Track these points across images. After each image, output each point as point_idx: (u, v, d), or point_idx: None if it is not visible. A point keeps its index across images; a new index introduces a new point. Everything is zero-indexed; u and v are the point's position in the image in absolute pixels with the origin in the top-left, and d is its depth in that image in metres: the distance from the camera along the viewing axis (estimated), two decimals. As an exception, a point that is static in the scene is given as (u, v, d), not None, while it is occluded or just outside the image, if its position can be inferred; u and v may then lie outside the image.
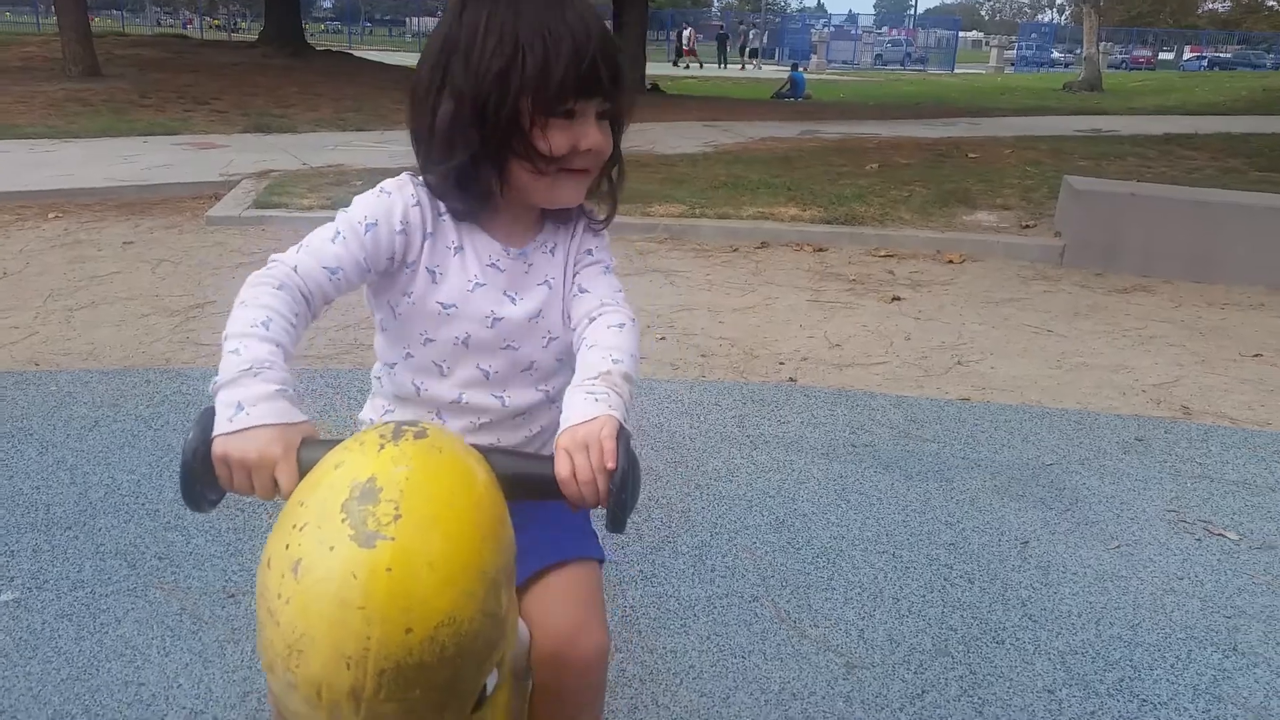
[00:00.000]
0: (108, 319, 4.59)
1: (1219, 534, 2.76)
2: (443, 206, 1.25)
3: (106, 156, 8.55)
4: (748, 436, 3.32)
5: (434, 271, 1.25)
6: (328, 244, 1.19)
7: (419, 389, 1.29)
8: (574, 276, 1.31)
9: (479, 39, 1.14)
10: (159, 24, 52.16)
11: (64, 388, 3.63)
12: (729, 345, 4.53)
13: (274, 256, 1.18)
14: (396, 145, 10.10)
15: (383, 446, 0.87)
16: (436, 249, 1.25)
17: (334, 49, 20.04)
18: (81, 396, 3.54)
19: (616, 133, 1.26)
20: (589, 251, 1.33)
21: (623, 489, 0.97)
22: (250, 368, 1.02)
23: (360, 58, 18.98)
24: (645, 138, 11.43)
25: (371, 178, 6.52)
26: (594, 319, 1.24)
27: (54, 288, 5.11)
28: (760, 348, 4.49)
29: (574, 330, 1.26)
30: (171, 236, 6.40)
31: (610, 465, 0.97)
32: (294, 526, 0.83)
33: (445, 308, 1.25)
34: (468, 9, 1.17)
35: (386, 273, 1.24)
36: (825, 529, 2.71)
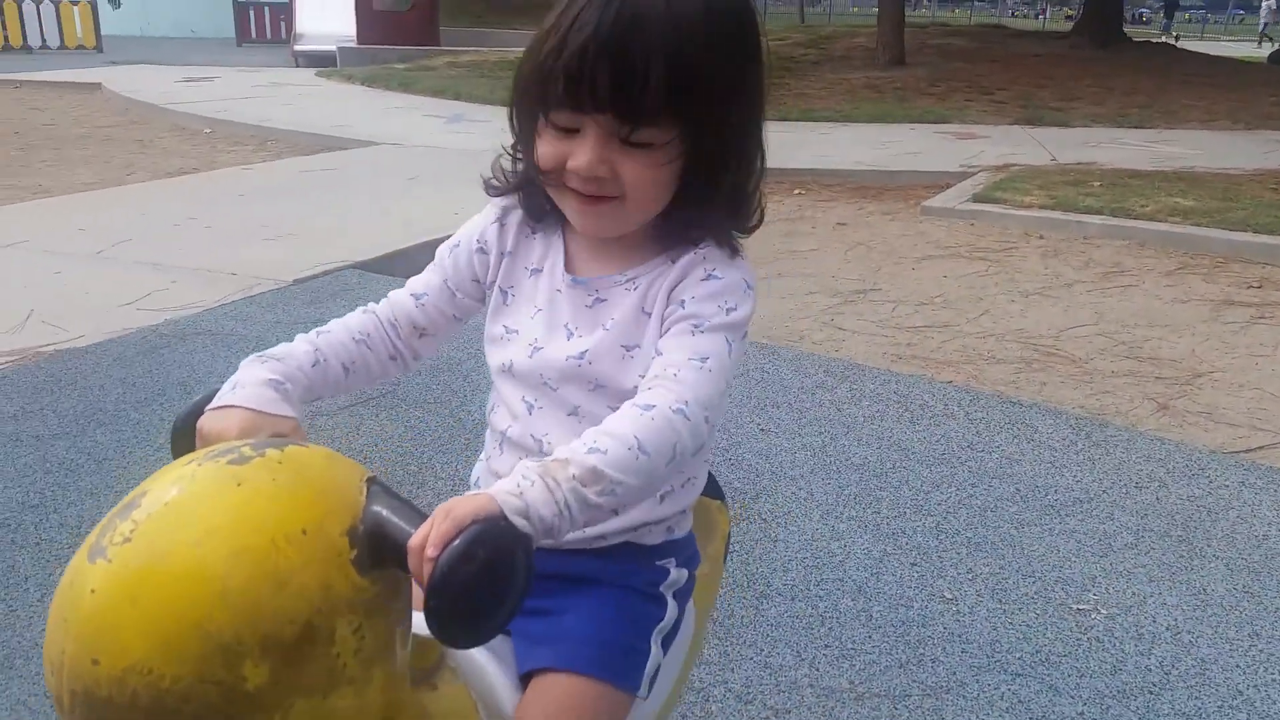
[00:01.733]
0: (777, 291, 4.93)
1: None
2: (534, 225, 1.13)
3: (867, 141, 9.12)
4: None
5: (507, 292, 1.14)
6: (426, 270, 1.18)
7: (492, 411, 1.17)
8: (662, 332, 1.03)
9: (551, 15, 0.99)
10: (1013, 15, 53.50)
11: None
12: None
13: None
14: (1167, 146, 9.00)
15: (191, 462, 0.80)
16: (515, 269, 1.14)
17: (1154, 41, 18.39)
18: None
19: (703, 160, 1.00)
20: (682, 303, 1.03)
21: (439, 590, 0.74)
22: (263, 355, 1.03)
23: (1185, 49, 17.17)
24: None
25: (1114, 179, 6.00)
26: (640, 389, 0.98)
27: (754, 257, 5.59)
28: None
29: None
30: (882, 222, 6.60)
31: (430, 552, 0.75)
32: None
33: (509, 332, 1.12)
34: None
35: (480, 296, 1.17)
36: None
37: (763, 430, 3.12)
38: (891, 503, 2.67)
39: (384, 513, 0.81)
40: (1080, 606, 2.23)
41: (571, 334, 1.08)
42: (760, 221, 1.10)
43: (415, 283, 1.18)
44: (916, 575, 2.34)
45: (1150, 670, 2.02)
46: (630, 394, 1.02)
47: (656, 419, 0.91)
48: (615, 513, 1.05)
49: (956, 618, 2.18)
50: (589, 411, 1.07)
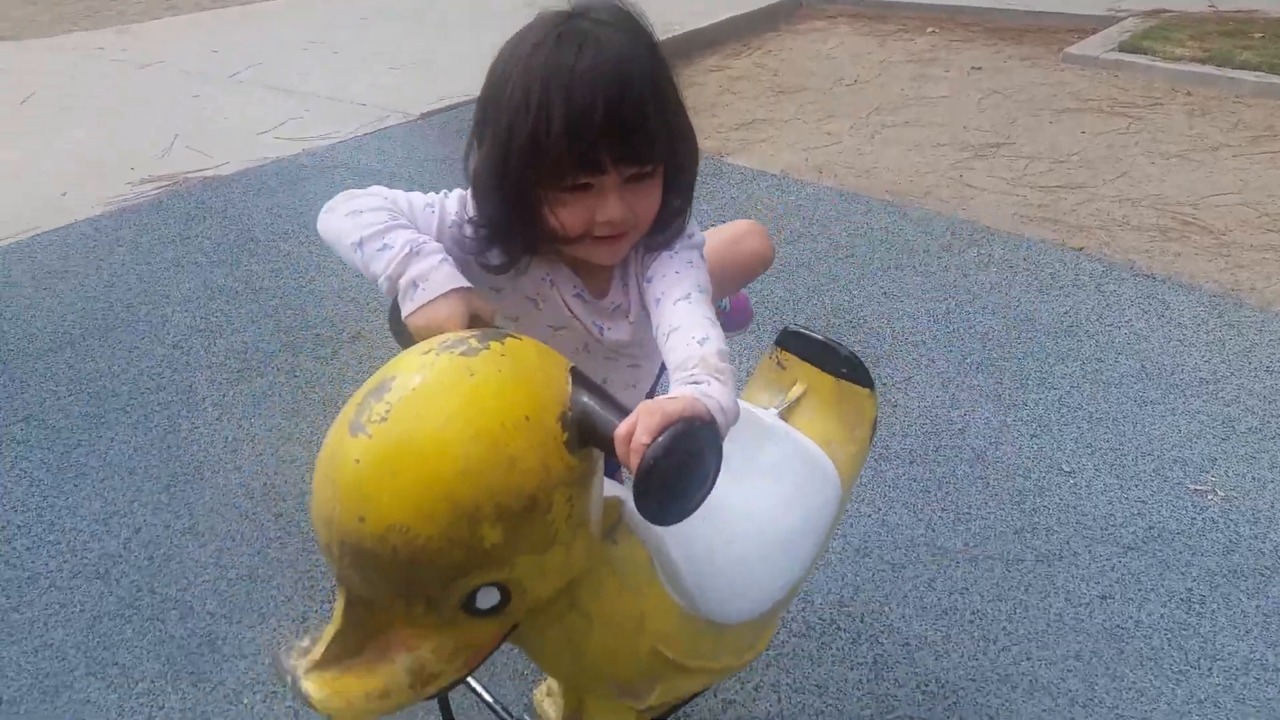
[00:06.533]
0: (905, 141, 4.81)
1: None
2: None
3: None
4: None
5: (534, 300, 1.21)
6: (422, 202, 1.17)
7: None
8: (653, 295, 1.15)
9: (501, 88, 1.05)
10: None
11: (802, 196, 3.98)
12: None
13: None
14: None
15: (429, 352, 0.91)
16: (533, 278, 1.19)
17: None
18: (809, 210, 3.85)
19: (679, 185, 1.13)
20: (649, 280, 1.16)
21: (647, 476, 0.85)
22: (408, 249, 1.05)
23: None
24: None
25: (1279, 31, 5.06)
26: (659, 300, 1.11)
27: (883, 102, 5.46)
28: None
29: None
30: (1021, 69, 6.28)
31: (644, 438, 0.85)
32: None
33: (556, 329, 1.22)
34: (507, 44, 1.08)
35: None
36: None
37: (885, 294, 3.14)
38: (1015, 374, 2.70)
39: (590, 403, 0.92)
40: (1197, 487, 2.27)
41: (602, 330, 1.22)
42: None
43: (417, 207, 1.15)
44: (1036, 447, 2.39)
45: (1264, 554, 2.07)
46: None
47: (697, 302, 1.07)
48: None
49: (1073, 490, 2.24)
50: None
